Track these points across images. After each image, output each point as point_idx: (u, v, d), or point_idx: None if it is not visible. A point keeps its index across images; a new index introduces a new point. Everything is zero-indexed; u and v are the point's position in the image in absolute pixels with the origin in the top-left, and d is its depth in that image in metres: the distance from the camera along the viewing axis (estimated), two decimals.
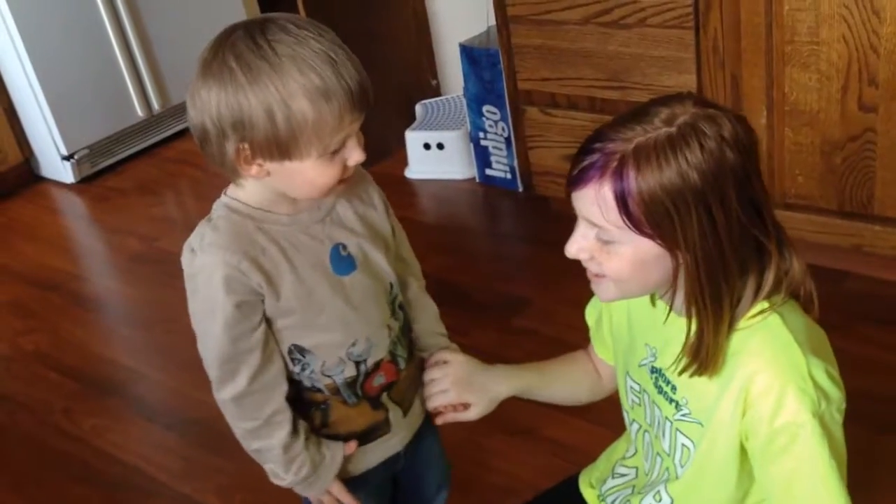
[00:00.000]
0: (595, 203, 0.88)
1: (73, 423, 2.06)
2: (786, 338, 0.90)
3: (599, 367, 1.21)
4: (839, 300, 1.96)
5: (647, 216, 0.86)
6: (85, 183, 3.22)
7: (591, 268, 0.95)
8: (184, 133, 3.42)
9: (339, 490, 1.13)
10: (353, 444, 1.13)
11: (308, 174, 0.97)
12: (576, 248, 0.94)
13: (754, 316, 0.92)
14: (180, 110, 3.38)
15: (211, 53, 0.94)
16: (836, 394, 0.90)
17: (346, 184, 1.02)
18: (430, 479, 1.30)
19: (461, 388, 1.16)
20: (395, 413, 1.14)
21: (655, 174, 0.85)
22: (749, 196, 0.88)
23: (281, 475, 1.09)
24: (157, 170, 3.27)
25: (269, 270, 1.01)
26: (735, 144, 0.86)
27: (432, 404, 1.18)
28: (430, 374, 1.18)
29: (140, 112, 3.28)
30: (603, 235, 0.91)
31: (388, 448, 1.16)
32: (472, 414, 1.17)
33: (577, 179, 0.90)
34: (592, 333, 1.20)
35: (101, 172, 3.27)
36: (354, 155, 0.98)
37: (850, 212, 1.95)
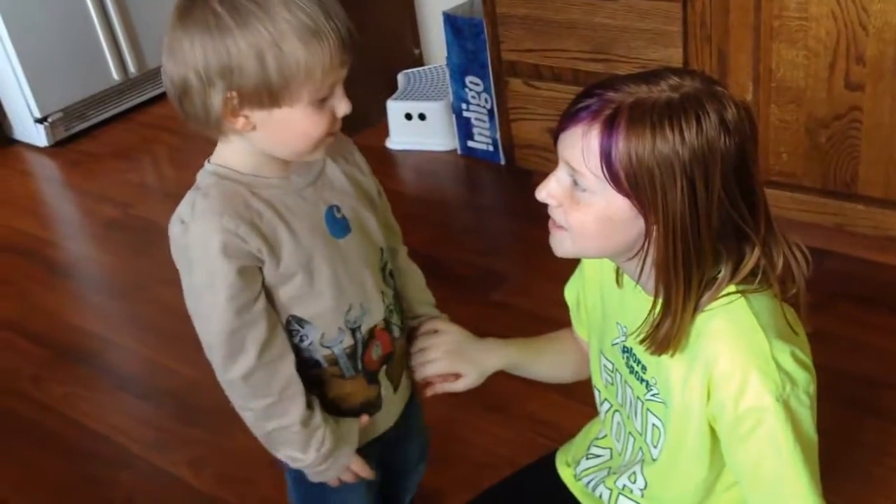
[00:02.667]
0: (579, 145, 0.86)
1: (43, 391, 2.03)
2: (748, 321, 0.89)
3: (584, 347, 1.20)
4: (820, 279, 1.95)
5: (627, 174, 0.84)
6: (59, 147, 3.16)
7: (556, 217, 0.92)
8: (161, 98, 3.36)
9: (359, 465, 1.09)
10: (365, 417, 1.10)
11: (298, 123, 0.93)
12: (546, 192, 0.91)
13: (720, 298, 0.90)
14: (157, 74, 3.30)
15: (189, 0, 0.90)
16: (803, 376, 0.89)
17: (334, 139, 0.99)
18: (411, 452, 1.29)
19: (453, 358, 1.14)
20: (386, 389, 1.12)
21: (646, 135, 0.83)
22: (736, 184, 0.86)
23: (300, 456, 1.05)
24: (132, 135, 3.21)
25: (267, 235, 0.97)
26: (733, 130, 0.84)
27: (423, 374, 1.15)
28: (422, 343, 1.15)
29: (116, 75, 3.21)
30: (579, 181, 0.88)
31: (380, 424, 1.14)
32: (461, 385, 1.15)
33: (568, 118, 0.88)
34: (573, 313, 1.18)
35: (76, 136, 3.20)
36: (342, 105, 0.95)
37: (833, 190, 1.94)
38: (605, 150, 0.84)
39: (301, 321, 1.03)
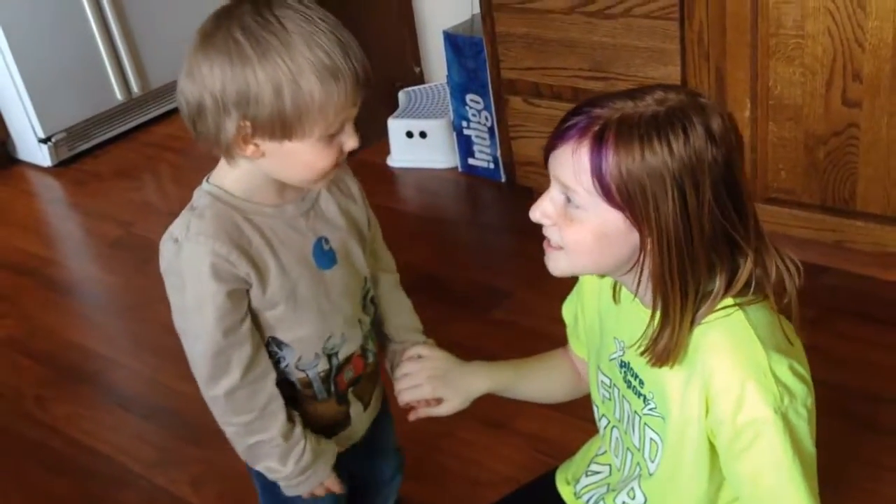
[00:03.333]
0: (570, 163, 0.87)
1: (45, 410, 2.03)
2: (746, 333, 0.89)
3: (578, 365, 1.20)
4: (819, 295, 1.96)
5: (619, 188, 0.85)
6: (62, 166, 3.17)
7: (551, 236, 0.93)
8: (164, 117, 3.38)
9: (332, 481, 1.12)
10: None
11: (306, 156, 0.95)
12: (539, 212, 0.92)
13: (717, 311, 0.91)
14: (161, 94, 3.33)
15: (213, 25, 0.91)
16: (801, 389, 0.89)
17: (337, 170, 1.01)
18: (385, 466, 1.30)
19: (436, 383, 1.15)
20: (356, 408, 1.14)
21: (635, 149, 0.84)
22: (726, 193, 0.87)
23: (278, 468, 1.07)
24: (135, 154, 3.23)
25: (257, 262, 0.99)
26: (720, 140, 0.85)
27: (405, 399, 1.17)
28: (405, 369, 1.17)
29: (119, 95, 3.23)
30: (572, 198, 0.89)
31: (346, 441, 1.16)
32: (444, 410, 1.16)
33: (557, 137, 0.89)
34: (569, 331, 1.19)
35: (79, 156, 3.22)
36: (351, 141, 0.97)
37: (832, 207, 1.94)
38: (596, 166, 0.85)
39: (280, 343, 1.05)
